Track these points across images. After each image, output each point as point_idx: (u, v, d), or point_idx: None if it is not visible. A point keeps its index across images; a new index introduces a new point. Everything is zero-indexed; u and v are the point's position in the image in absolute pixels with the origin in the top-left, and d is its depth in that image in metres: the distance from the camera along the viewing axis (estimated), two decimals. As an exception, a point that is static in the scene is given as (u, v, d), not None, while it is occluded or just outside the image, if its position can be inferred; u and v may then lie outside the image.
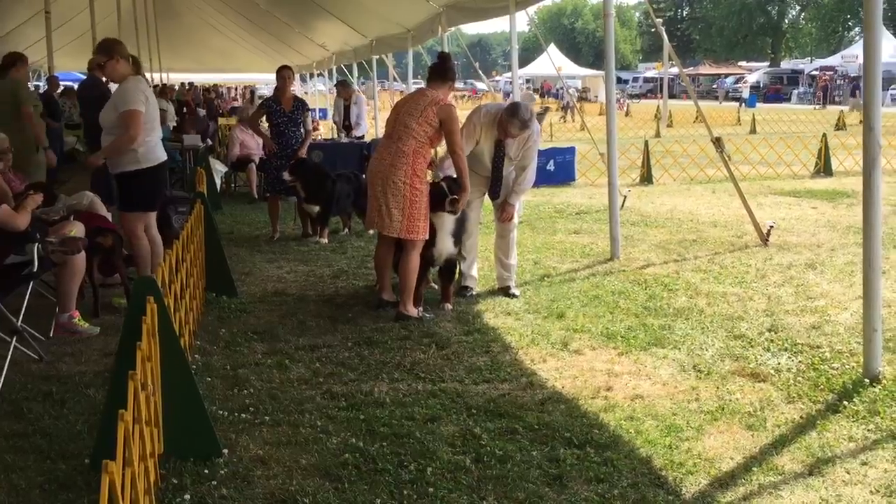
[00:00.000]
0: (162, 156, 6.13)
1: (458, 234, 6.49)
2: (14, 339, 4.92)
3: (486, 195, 6.91)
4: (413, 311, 6.09)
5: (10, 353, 4.87)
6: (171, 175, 11.89)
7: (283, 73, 9.29)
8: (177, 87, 29.74)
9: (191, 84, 32.73)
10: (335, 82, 15.16)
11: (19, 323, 5.03)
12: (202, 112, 26.57)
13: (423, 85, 6.53)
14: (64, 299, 5.65)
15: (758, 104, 45.46)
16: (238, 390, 4.69)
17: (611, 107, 8.09)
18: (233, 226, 10.15)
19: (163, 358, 3.65)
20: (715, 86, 59.99)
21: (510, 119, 6.45)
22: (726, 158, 8.83)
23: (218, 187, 11.73)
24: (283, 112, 9.22)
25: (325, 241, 9.05)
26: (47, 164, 7.83)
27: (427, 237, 6.21)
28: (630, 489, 3.60)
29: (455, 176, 6.34)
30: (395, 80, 23.45)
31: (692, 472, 3.75)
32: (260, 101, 11.58)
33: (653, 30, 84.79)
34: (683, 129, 26.91)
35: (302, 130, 9.43)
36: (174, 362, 3.71)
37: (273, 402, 4.53)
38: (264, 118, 9.49)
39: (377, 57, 17.53)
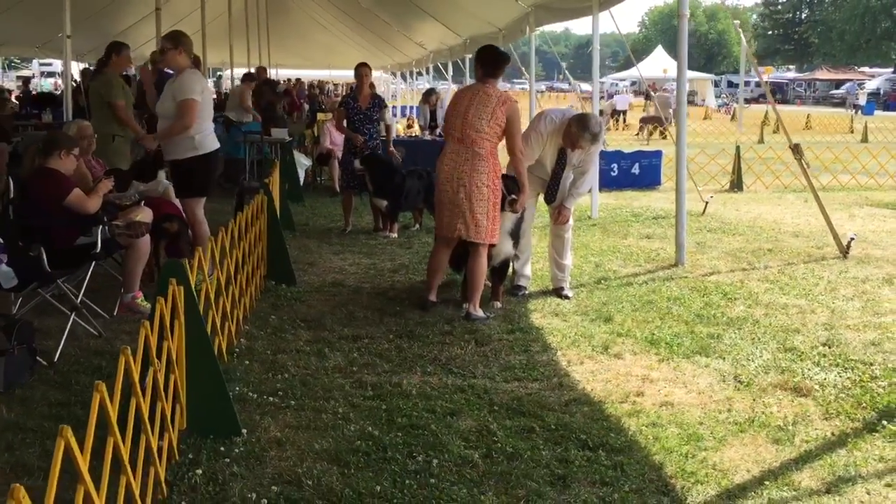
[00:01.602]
0: (215, 144, 6.42)
1: (516, 235, 6.50)
2: (73, 314, 5.23)
3: (542, 197, 6.86)
4: (482, 312, 6.09)
5: (69, 327, 5.18)
6: (260, 167, 12.34)
7: (361, 71, 9.47)
8: (282, 83, 30.61)
9: (297, 80, 33.59)
10: (425, 90, 16.17)
11: (79, 300, 5.34)
12: (306, 107, 27.34)
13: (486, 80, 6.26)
14: (128, 280, 5.95)
15: (877, 112, 43.37)
16: (273, 375, 4.85)
17: (681, 110, 7.92)
18: (309, 218, 10.42)
19: (187, 339, 3.82)
20: (844, 90, 57.36)
21: (581, 133, 6.34)
22: (805, 167, 8.50)
23: (301, 180, 12.05)
24: (360, 109, 9.42)
25: (395, 235, 9.19)
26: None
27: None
28: (633, 494, 3.56)
29: (512, 175, 6.33)
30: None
31: (702, 482, 3.68)
32: (337, 99, 11.93)
33: (769, 32, 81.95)
34: (792, 136, 25.88)
35: (380, 127, 9.63)
36: (198, 344, 3.87)
37: (303, 387, 4.66)
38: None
39: (470, 56, 17.65)
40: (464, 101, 6.11)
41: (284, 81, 31.23)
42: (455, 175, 6.04)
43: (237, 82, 25.00)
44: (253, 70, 17.66)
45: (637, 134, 26.68)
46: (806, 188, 13.52)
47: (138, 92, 9.53)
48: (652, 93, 24.25)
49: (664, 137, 24.52)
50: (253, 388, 4.62)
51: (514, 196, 6.16)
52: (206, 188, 6.50)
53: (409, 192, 9.17)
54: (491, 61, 6.13)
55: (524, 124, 6.55)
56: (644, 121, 26.56)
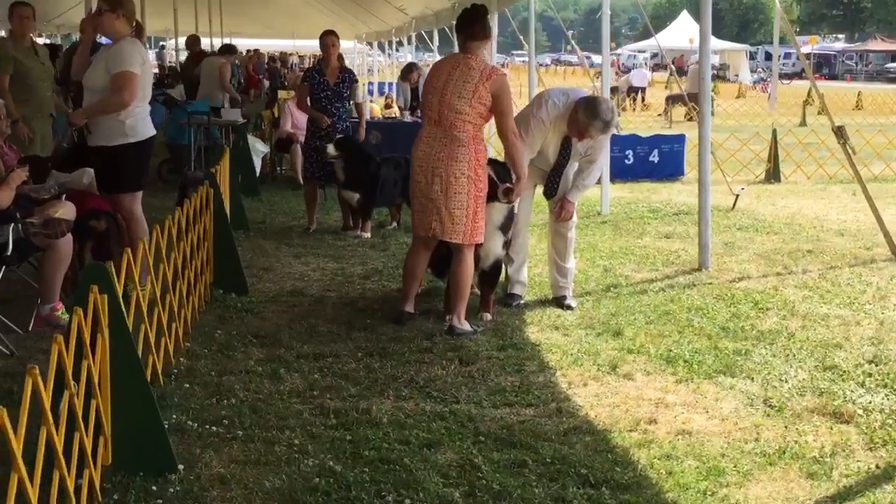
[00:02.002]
0: (150, 130, 6.37)
1: (507, 230, 6.50)
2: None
3: (540, 190, 6.87)
4: (468, 325, 6.10)
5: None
6: (208, 154, 12.34)
7: (327, 40, 9.48)
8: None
9: (255, 51, 33.59)
10: (405, 65, 16.32)
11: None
12: (265, 83, 27.36)
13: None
14: (46, 288, 5.92)
15: (939, 89, 43.65)
16: (218, 400, 4.85)
17: (704, 87, 7.98)
18: (266, 214, 10.45)
19: (113, 358, 3.82)
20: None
21: (590, 121, 6.30)
22: (850, 152, 8.57)
23: (257, 170, 12.05)
24: (327, 85, 9.43)
25: (367, 235, 9.21)
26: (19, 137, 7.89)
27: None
28: (640, 539, 3.58)
29: (502, 160, 6.34)
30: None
31: (722, 525, 3.70)
32: (302, 74, 11.93)
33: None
34: (838, 117, 26.03)
35: (349, 105, 9.66)
36: (126, 363, 3.87)
37: (253, 415, 4.67)
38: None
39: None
40: (441, 76, 6.05)
41: (240, 54, 31.23)
42: (430, 163, 6.01)
43: (182, 55, 25.01)
44: (228, 43, 17.64)
45: (661, 114, 26.77)
46: (853, 178, 13.66)
47: (64, 64, 9.51)
48: (673, 67, 24.22)
49: (691, 119, 24.61)
50: (193, 415, 4.62)
51: (508, 185, 6.14)
52: (139, 181, 6.48)
53: (385, 184, 9.20)
54: (468, 22, 6.07)
55: (524, 103, 6.55)
56: (670, 99, 26.61)
